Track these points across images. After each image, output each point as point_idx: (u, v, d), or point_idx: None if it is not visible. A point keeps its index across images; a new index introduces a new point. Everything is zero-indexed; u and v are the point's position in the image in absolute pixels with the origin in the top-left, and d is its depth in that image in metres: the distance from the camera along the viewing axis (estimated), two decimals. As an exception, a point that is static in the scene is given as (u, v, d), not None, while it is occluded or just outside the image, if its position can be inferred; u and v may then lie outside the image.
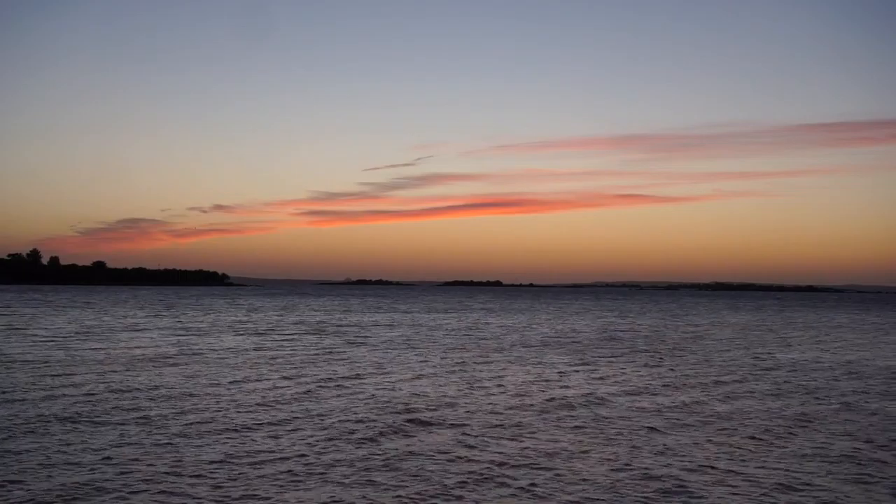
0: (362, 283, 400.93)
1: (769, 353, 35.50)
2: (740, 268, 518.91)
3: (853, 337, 49.27)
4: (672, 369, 27.83)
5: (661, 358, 32.05)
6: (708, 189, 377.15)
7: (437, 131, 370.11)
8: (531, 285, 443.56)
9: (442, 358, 30.77)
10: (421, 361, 29.27)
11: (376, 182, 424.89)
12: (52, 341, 34.85)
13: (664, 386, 23.17)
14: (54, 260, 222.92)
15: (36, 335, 38.23)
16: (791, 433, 16.01)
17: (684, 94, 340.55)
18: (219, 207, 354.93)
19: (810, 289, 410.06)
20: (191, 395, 19.79)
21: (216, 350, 32.64)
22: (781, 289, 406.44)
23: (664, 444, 14.58)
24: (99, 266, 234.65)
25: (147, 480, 11.52)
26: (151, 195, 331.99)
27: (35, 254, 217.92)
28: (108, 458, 12.81)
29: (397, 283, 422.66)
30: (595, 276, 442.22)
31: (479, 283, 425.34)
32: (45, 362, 26.24)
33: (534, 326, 55.90)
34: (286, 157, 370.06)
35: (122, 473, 11.86)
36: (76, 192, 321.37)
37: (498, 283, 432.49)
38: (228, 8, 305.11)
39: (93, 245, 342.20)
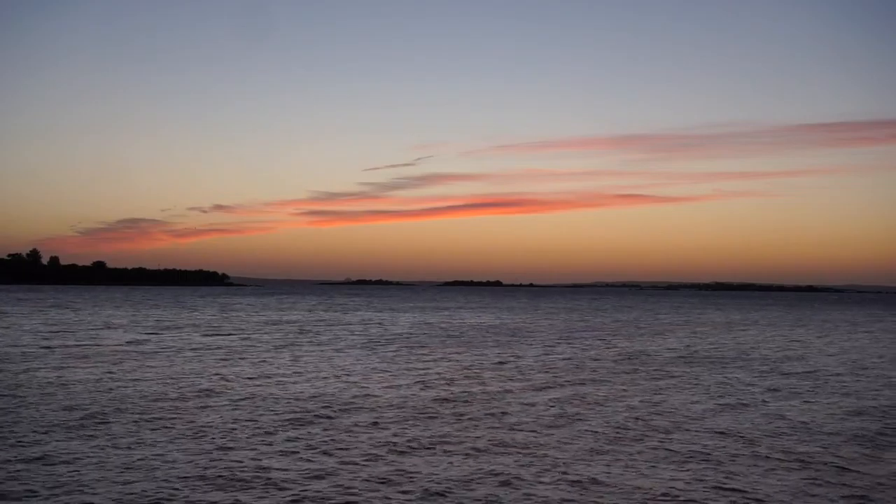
0: (362, 283, 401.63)
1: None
2: (740, 268, 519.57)
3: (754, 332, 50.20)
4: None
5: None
6: (708, 189, 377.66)
7: (437, 131, 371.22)
8: (531, 285, 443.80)
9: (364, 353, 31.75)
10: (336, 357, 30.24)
11: (376, 182, 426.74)
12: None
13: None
14: (54, 260, 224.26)
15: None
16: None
17: (684, 94, 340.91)
18: (219, 207, 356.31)
19: (810, 289, 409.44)
20: (135, 388, 20.77)
21: (175, 347, 33.63)
22: (781, 289, 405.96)
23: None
24: (99, 266, 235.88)
25: (66, 472, 12.48)
26: (151, 195, 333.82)
27: (35, 254, 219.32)
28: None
29: (397, 283, 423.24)
30: (595, 276, 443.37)
31: (479, 283, 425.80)
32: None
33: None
34: (286, 157, 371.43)
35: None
36: (76, 192, 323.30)
37: (498, 284, 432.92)
38: (228, 8, 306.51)
39: (93, 245, 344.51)
